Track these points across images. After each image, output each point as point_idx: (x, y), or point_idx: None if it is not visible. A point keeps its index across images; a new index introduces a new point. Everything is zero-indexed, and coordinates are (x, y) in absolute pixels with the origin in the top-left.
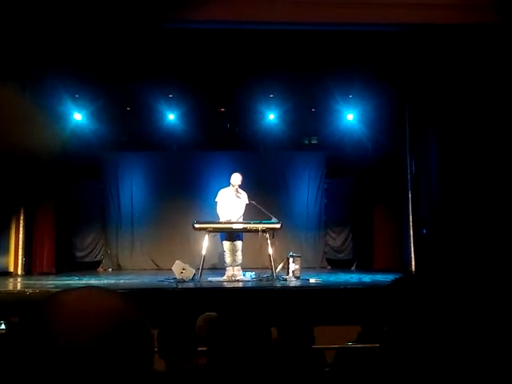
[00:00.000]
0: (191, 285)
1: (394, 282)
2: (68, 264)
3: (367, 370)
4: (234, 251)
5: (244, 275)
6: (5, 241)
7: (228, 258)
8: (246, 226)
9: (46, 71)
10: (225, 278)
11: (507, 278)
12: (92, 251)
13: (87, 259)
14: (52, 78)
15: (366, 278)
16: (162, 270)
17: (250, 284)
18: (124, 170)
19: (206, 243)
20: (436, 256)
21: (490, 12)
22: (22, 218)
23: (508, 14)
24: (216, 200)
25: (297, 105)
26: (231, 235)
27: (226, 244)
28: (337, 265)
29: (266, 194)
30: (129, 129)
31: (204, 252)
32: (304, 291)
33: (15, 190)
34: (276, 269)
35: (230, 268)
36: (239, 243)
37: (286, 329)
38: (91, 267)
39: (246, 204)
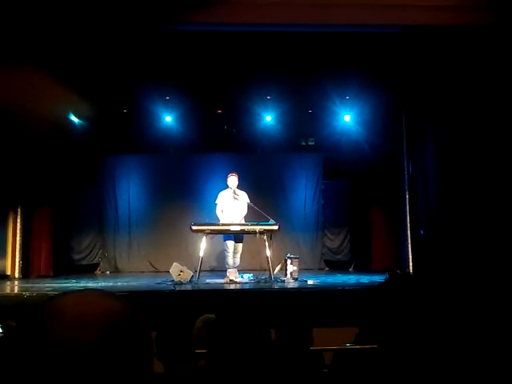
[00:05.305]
0: (189, 287)
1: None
2: (65, 267)
3: (365, 370)
4: (234, 253)
5: (242, 277)
6: (2, 244)
7: (230, 260)
8: (243, 227)
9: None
10: (223, 280)
11: (505, 279)
12: (89, 254)
13: (85, 262)
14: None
15: (364, 279)
16: (160, 272)
17: (247, 286)
18: (121, 172)
19: (203, 245)
20: (434, 257)
21: (487, 13)
22: (19, 220)
23: (504, 15)
24: (216, 202)
25: (294, 106)
26: (236, 236)
27: (230, 244)
28: (335, 266)
29: (263, 195)
30: (126, 131)
31: (202, 254)
32: (302, 293)
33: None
34: (274, 270)
35: (232, 270)
36: (240, 245)
37: (285, 330)
38: (89, 270)
39: (248, 203)
